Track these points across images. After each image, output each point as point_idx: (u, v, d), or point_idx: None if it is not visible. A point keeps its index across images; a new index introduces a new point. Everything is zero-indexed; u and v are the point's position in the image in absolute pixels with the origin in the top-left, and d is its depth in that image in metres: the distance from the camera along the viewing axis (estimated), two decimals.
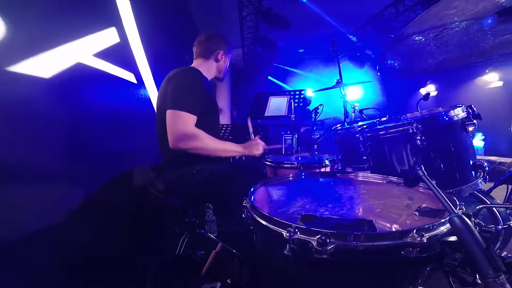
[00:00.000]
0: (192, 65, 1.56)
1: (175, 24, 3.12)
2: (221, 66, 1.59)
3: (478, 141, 4.70)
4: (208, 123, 1.32)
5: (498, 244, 1.09)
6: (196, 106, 1.26)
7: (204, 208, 1.76)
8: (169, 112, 1.24)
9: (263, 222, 0.69)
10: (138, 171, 1.87)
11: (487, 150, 4.92)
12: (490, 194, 1.35)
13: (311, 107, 2.57)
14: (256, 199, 0.91)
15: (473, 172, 1.19)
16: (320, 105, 2.55)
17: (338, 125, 2.05)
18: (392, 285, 0.65)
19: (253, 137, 1.69)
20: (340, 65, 2.47)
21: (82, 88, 1.43)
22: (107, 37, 1.64)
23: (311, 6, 4.72)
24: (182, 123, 1.21)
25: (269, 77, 7.12)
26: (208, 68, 1.53)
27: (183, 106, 1.22)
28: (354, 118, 2.31)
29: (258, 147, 1.48)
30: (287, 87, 7.28)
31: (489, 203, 1.24)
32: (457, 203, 0.70)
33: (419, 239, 0.56)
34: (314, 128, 2.65)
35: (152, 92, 2.22)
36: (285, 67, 7.19)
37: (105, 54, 1.59)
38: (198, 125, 1.27)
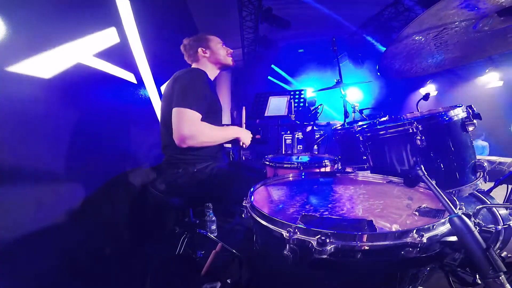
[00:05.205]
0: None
1: (175, 24, 3.12)
2: (213, 58, 1.56)
3: (481, 142, 4.69)
4: (211, 122, 1.34)
5: (498, 244, 1.09)
6: (201, 105, 1.28)
7: (204, 208, 1.77)
8: (175, 110, 1.25)
9: (263, 222, 0.69)
10: (138, 171, 1.87)
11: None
12: (490, 194, 1.35)
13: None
14: (256, 199, 0.91)
15: (473, 172, 1.19)
16: (320, 105, 2.55)
17: (338, 125, 2.05)
18: (392, 285, 0.65)
19: (244, 127, 1.73)
20: (340, 65, 2.47)
21: (82, 88, 1.43)
22: (107, 37, 1.64)
23: (312, 6, 4.72)
24: (188, 122, 1.22)
25: (269, 77, 7.24)
26: (204, 68, 1.53)
27: (188, 104, 1.23)
28: (354, 118, 2.31)
29: (249, 138, 1.55)
30: (287, 87, 7.37)
31: (489, 203, 1.24)
32: (457, 203, 0.70)
33: (419, 239, 0.56)
34: (315, 128, 2.65)
35: (152, 92, 2.22)
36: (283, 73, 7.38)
37: (105, 54, 1.59)
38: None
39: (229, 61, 1.60)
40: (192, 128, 1.22)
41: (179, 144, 1.23)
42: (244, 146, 1.56)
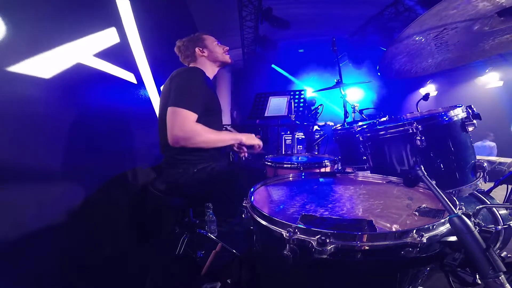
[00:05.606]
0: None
1: (175, 24, 3.12)
2: (212, 56, 1.56)
3: (489, 143, 4.64)
4: (210, 122, 1.32)
5: (498, 244, 1.09)
6: (197, 105, 1.26)
7: (204, 208, 1.77)
8: (169, 109, 1.23)
9: (263, 222, 0.69)
10: (138, 171, 1.87)
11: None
12: (490, 194, 1.35)
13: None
14: (256, 199, 0.91)
15: (472, 172, 1.19)
16: (320, 105, 2.56)
17: (338, 125, 2.05)
18: (392, 285, 0.65)
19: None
20: (340, 65, 2.48)
21: (82, 89, 1.43)
22: (107, 37, 1.64)
23: (312, 6, 4.72)
24: (182, 121, 1.20)
25: (273, 65, 7.26)
26: (203, 67, 1.52)
27: (183, 104, 1.22)
28: (354, 118, 2.31)
29: (255, 140, 1.49)
30: (291, 77, 7.38)
31: (489, 203, 1.24)
32: (457, 203, 0.70)
33: (419, 239, 0.56)
34: (315, 128, 2.66)
35: (152, 92, 2.22)
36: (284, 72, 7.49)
37: (105, 54, 1.59)
38: (201, 123, 1.27)
39: (227, 58, 1.60)
40: (186, 128, 1.20)
41: (172, 144, 1.22)
42: (259, 148, 1.50)
